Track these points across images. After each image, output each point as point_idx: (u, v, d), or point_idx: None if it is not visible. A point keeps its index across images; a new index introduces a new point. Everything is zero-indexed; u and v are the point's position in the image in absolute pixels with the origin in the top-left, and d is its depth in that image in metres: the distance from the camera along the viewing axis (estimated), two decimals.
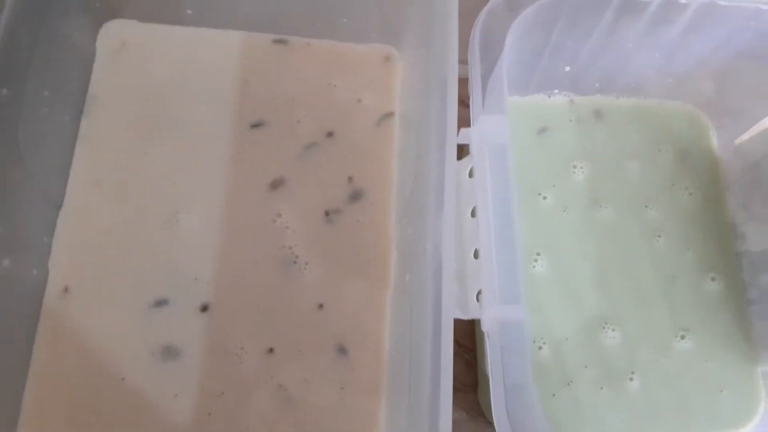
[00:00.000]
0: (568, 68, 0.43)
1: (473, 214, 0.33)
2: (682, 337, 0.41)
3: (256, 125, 0.42)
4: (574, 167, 0.44)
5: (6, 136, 0.34)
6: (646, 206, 0.44)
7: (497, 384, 0.29)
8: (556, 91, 0.46)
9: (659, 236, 0.43)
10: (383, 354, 0.38)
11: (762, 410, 0.41)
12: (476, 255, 0.33)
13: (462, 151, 0.35)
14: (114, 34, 0.43)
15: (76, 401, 0.35)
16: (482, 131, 0.33)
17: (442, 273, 0.30)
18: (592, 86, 0.46)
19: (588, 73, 0.44)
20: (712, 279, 0.43)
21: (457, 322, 0.30)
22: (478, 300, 0.32)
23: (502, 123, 0.33)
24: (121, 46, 0.43)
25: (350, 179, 0.41)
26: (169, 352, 0.37)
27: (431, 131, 0.35)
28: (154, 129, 0.41)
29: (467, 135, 0.34)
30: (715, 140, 0.47)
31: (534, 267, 0.41)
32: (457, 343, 0.40)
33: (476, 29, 0.35)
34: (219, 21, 0.44)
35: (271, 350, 0.37)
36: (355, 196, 0.41)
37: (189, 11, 0.43)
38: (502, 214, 0.32)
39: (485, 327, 0.31)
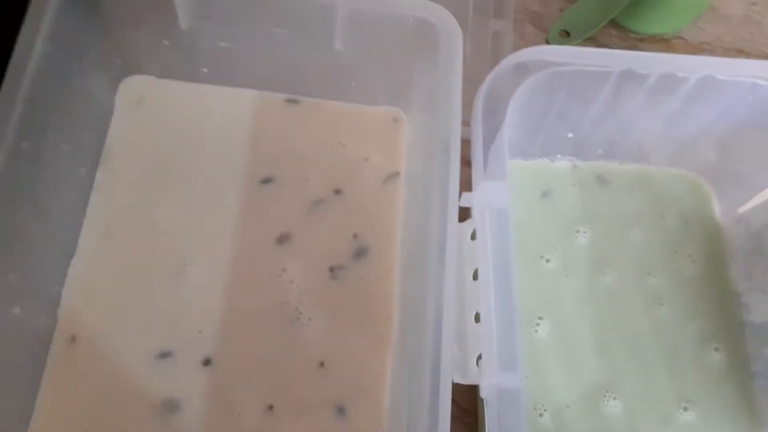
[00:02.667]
0: (570, 134, 0.44)
1: (475, 277, 0.34)
2: (685, 409, 0.40)
3: (265, 181, 0.43)
4: (577, 231, 0.45)
5: (25, 187, 0.35)
6: (649, 273, 0.44)
7: None
8: (559, 155, 0.46)
9: (661, 304, 0.43)
10: (382, 415, 0.37)
11: None
12: (477, 318, 0.33)
13: (466, 212, 0.35)
14: (133, 89, 0.45)
15: None
16: (483, 197, 0.34)
17: (441, 335, 0.31)
18: (594, 152, 0.46)
19: (591, 140, 0.45)
20: (716, 349, 0.42)
21: (460, 385, 0.30)
22: (478, 365, 0.32)
23: (503, 189, 0.34)
24: (139, 101, 0.45)
25: (355, 236, 0.42)
26: (170, 406, 0.37)
27: (435, 192, 0.35)
28: (166, 182, 0.42)
29: (469, 199, 0.35)
30: (717, 208, 0.47)
31: (536, 332, 0.41)
32: (459, 406, 0.39)
33: (479, 98, 0.36)
34: (233, 80, 0.45)
35: (270, 407, 0.37)
36: (360, 253, 0.42)
37: (205, 70, 0.45)
38: (502, 278, 0.32)
39: (483, 393, 0.31)
